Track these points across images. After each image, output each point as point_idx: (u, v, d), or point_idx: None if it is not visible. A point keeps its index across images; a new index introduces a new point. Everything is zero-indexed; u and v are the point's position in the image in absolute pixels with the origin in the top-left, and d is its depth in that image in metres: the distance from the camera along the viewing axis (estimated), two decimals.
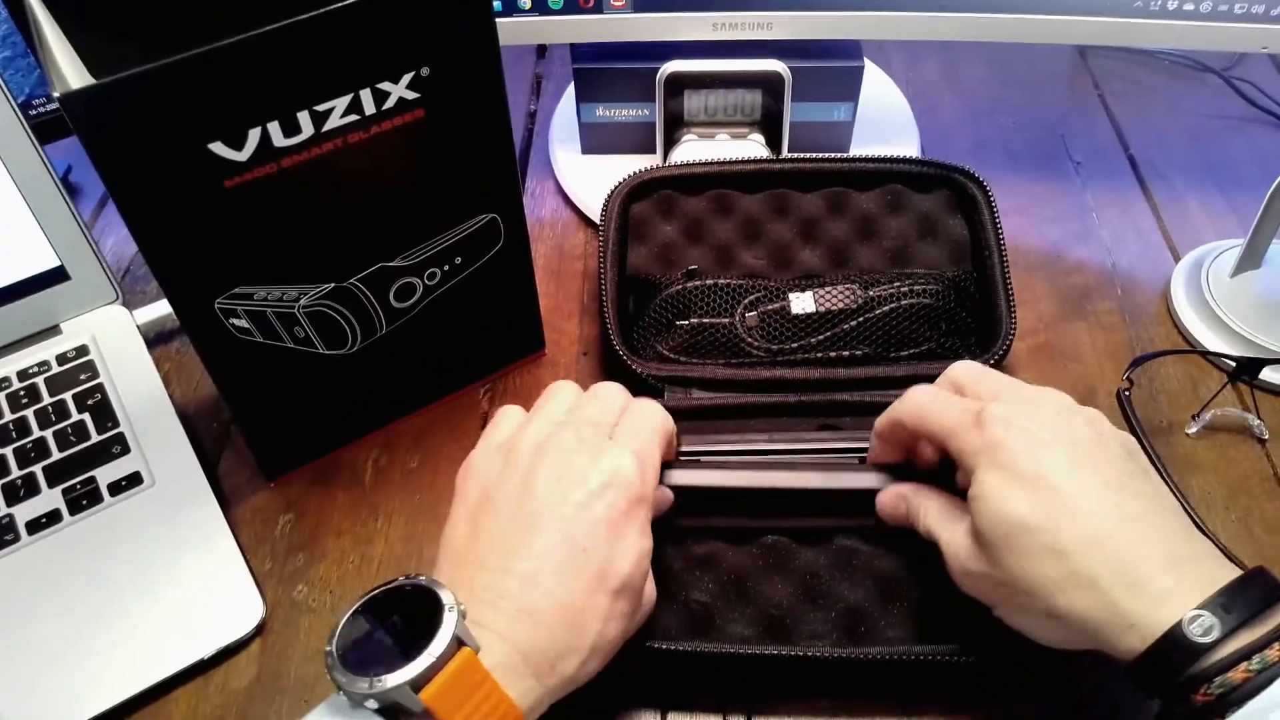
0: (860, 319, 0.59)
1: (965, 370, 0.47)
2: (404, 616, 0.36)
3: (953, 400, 0.44)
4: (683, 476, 0.49)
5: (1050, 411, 0.42)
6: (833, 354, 0.59)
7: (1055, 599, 0.37)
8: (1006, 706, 0.47)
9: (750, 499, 0.50)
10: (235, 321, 0.49)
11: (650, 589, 0.43)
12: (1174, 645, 0.34)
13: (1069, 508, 0.38)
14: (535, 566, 0.38)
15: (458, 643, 0.35)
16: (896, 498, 0.47)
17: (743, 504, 0.50)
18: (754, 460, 0.52)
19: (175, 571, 0.52)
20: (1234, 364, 0.60)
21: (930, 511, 0.44)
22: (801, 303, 0.60)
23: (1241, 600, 0.34)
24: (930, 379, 0.58)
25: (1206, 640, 0.33)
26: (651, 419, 0.45)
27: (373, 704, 0.34)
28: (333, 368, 0.54)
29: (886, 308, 0.59)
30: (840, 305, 0.60)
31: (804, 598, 0.49)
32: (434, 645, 0.34)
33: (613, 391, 0.46)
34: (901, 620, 0.48)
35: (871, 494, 0.49)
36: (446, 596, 0.36)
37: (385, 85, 0.45)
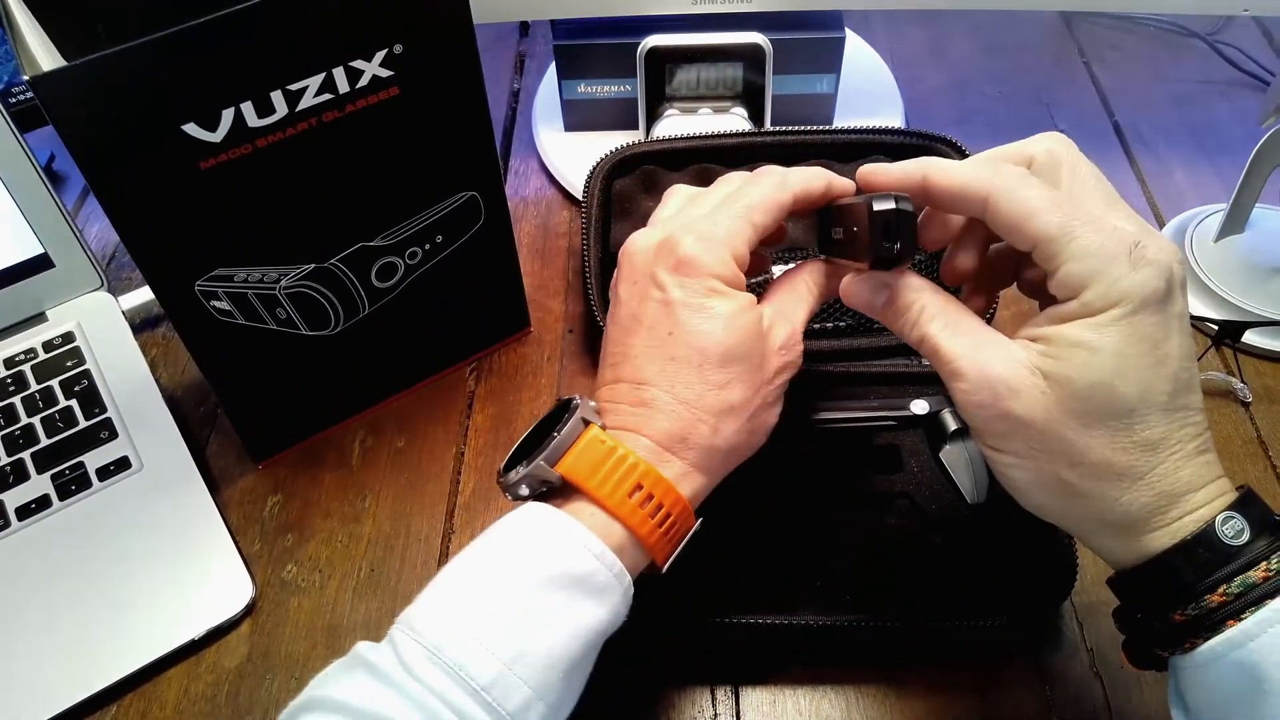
0: None
1: (1064, 151, 0.37)
2: (550, 425, 0.39)
3: (1074, 206, 0.35)
4: None
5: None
6: (816, 325, 0.59)
7: (1112, 482, 0.34)
8: (988, 669, 0.48)
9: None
10: (216, 304, 0.49)
11: (775, 348, 0.40)
12: (1206, 544, 0.34)
13: (1183, 405, 0.34)
14: (635, 366, 0.40)
15: (584, 424, 0.39)
16: (877, 285, 0.39)
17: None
18: None
19: (165, 554, 0.52)
20: (1216, 328, 0.60)
21: (933, 316, 0.37)
22: None
23: (1253, 509, 0.34)
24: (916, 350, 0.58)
25: (1237, 542, 0.34)
26: (739, 196, 0.41)
27: (524, 490, 0.38)
28: (316, 349, 0.54)
29: None
30: None
31: (792, 567, 0.49)
32: (562, 429, 0.38)
33: (727, 179, 0.43)
34: (884, 588, 0.48)
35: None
36: (576, 398, 0.40)
37: (358, 63, 0.45)
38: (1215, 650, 0.33)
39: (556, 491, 0.39)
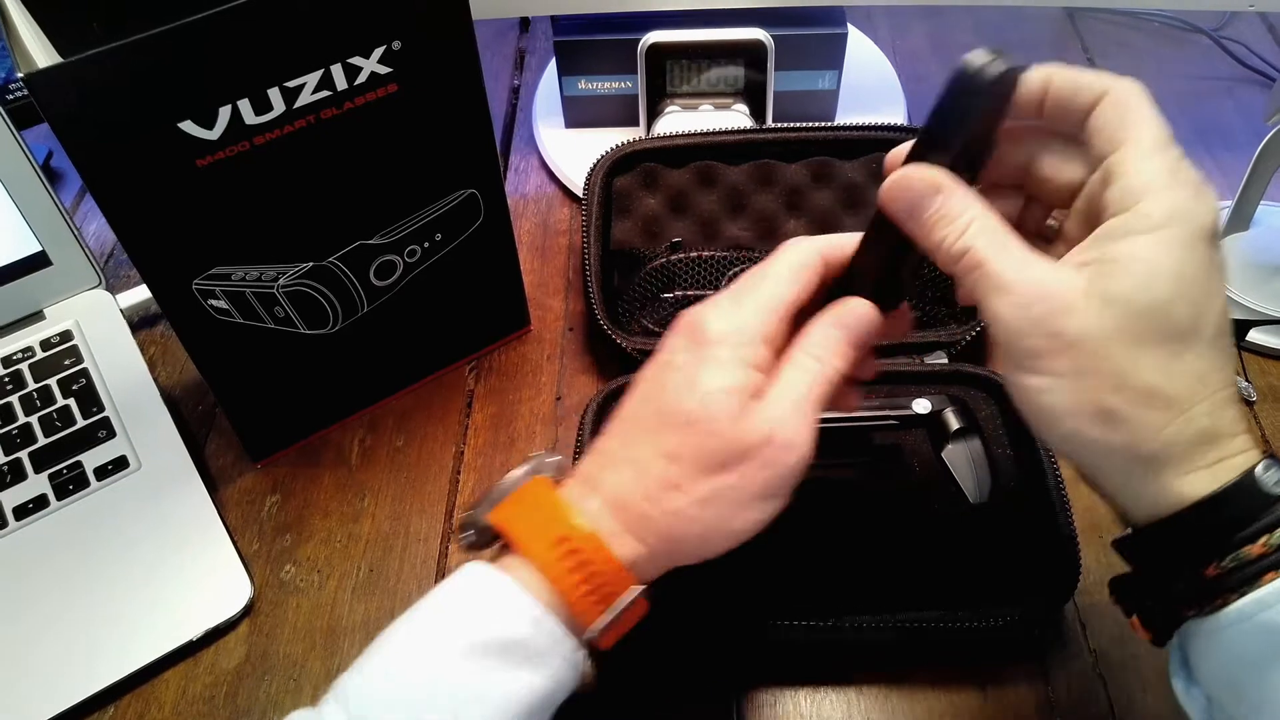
0: None
1: (1136, 96, 0.36)
2: None
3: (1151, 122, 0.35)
4: None
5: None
6: None
7: (1159, 410, 0.32)
8: (990, 670, 0.47)
9: None
10: (214, 302, 0.48)
11: (755, 442, 0.36)
12: (1248, 491, 0.33)
13: (1224, 347, 0.33)
14: (617, 418, 0.39)
15: (536, 474, 0.39)
16: (929, 185, 0.35)
17: None
18: None
19: (163, 554, 0.52)
20: None
21: (983, 229, 0.34)
22: None
23: None
24: (918, 349, 0.58)
25: (1278, 491, 0.32)
26: (758, 285, 0.38)
27: (472, 536, 0.39)
28: (315, 348, 0.54)
29: None
30: None
31: (791, 569, 0.49)
32: (509, 477, 0.38)
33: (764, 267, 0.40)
34: (885, 589, 0.48)
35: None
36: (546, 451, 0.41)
37: (356, 60, 0.44)
38: (1244, 610, 0.32)
39: (507, 546, 0.38)
